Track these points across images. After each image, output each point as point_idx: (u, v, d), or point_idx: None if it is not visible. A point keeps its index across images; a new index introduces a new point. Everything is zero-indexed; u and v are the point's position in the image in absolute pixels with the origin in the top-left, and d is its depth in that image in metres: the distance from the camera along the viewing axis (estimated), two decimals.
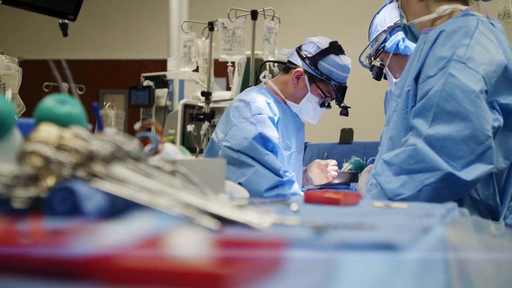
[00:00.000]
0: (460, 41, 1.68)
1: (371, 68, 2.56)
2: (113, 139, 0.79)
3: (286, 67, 2.69)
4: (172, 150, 1.23)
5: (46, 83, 4.06)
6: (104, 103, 4.52)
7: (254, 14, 3.68)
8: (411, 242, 0.63)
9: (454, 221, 1.06)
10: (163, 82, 4.70)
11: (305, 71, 2.60)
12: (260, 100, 2.55)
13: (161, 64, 5.25)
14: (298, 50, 2.65)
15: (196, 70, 4.30)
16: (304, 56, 2.60)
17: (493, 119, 1.63)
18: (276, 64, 3.46)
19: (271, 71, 3.47)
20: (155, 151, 1.12)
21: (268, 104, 2.56)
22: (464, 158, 1.57)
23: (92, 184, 0.72)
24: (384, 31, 2.49)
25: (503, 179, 1.75)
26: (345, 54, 2.64)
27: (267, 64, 3.53)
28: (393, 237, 0.64)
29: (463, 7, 1.84)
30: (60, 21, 3.35)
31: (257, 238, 0.53)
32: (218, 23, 3.67)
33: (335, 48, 2.60)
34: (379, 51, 2.51)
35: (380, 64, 2.53)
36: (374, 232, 0.70)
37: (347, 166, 3.15)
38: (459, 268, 0.87)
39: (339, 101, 2.65)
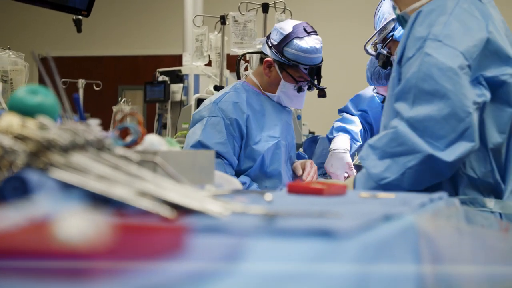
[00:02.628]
0: (436, 19, 1.64)
1: (377, 56, 2.52)
2: (75, 128, 0.78)
3: (260, 58, 2.68)
4: (157, 141, 1.22)
5: (63, 80, 4.08)
6: (119, 98, 4.52)
7: (265, 7, 3.66)
8: (355, 229, 0.61)
9: (437, 210, 1.04)
10: (178, 77, 4.69)
11: (274, 60, 2.58)
12: (226, 100, 2.55)
13: (179, 59, 5.24)
14: (267, 39, 2.63)
15: (209, 64, 4.29)
16: (271, 45, 2.58)
17: (478, 95, 1.59)
18: None
19: None
20: (136, 142, 1.11)
21: (236, 103, 2.54)
22: (446, 137, 1.53)
23: (48, 173, 0.72)
24: (393, 19, 2.46)
25: (502, 154, 1.69)
26: (315, 34, 2.57)
27: None
28: (333, 224, 0.62)
29: None
30: (74, 17, 3.39)
31: (159, 223, 0.52)
32: (229, 16, 3.65)
33: (298, 32, 2.55)
34: (387, 40, 2.48)
35: (388, 52, 2.50)
36: (322, 220, 0.68)
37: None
38: (434, 258, 0.85)
39: (313, 84, 2.59)
